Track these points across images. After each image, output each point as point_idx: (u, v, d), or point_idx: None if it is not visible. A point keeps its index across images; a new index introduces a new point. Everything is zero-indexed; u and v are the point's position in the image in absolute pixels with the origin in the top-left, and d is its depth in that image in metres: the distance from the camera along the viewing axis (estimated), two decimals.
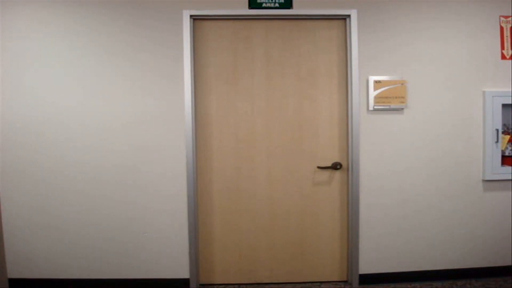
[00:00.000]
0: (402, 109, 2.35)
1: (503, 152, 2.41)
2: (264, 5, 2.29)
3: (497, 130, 2.37)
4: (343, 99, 2.39)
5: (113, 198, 2.32)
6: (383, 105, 2.33)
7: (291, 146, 2.39)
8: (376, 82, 2.32)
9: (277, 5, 2.29)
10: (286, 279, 2.45)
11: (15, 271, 2.34)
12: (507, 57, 2.38)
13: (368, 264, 2.40)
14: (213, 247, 2.42)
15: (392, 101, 2.33)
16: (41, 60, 2.26)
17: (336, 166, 2.36)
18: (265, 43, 2.36)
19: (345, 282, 2.46)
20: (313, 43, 2.36)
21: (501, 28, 2.37)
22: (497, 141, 2.37)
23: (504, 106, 2.37)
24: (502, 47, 2.37)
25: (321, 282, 2.46)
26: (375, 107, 2.33)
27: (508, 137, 2.40)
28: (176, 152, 2.31)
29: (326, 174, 2.41)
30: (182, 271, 2.35)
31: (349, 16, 2.31)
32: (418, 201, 2.40)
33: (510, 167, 2.39)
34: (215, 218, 2.41)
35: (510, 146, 2.41)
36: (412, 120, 2.36)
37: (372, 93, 2.32)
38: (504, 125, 2.42)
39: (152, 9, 2.27)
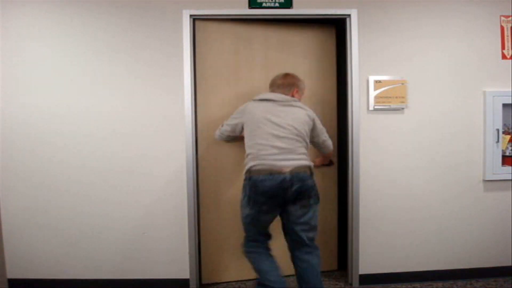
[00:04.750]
0: (403, 109, 2.34)
1: (503, 152, 2.40)
2: (264, 4, 2.28)
3: (498, 130, 2.36)
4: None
5: (112, 198, 2.31)
6: (383, 105, 2.32)
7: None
8: (376, 82, 2.31)
9: (277, 4, 2.28)
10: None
11: (14, 271, 2.33)
12: (508, 56, 2.37)
13: (368, 264, 2.39)
14: (214, 246, 2.41)
15: (392, 101, 2.33)
16: (40, 61, 2.26)
17: (330, 164, 2.38)
18: (266, 43, 2.35)
19: (345, 282, 2.45)
20: (313, 42, 2.36)
21: (502, 28, 2.36)
22: (497, 141, 2.36)
23: (505, 106, 2.36)
24: (503, 47, 2.37)
25: None
26: (375, 107, 2.32)
27: (508, 137, 2.40)
28: (176, 152, 2.31)
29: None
30: (182, 272, 2.34)
31: (349, 15, 2.30)
32: (418, 201, 2.39)
33: (511, 167, 2.39)
34: (215, 218, 2.40)
35: (510, 146, 2.40)
36: (412, 120, 2.35)
37: (372, 93, 2.32)
38: (504, 125, 2.41)
39: (152, 9, 2.26)
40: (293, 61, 2.37)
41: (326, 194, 2.42)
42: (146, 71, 2.28)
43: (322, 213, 2.42)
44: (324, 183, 2.42)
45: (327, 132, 2.07)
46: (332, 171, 2.47)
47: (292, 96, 1.98)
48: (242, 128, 1.97)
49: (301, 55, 2.38)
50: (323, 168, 2.40)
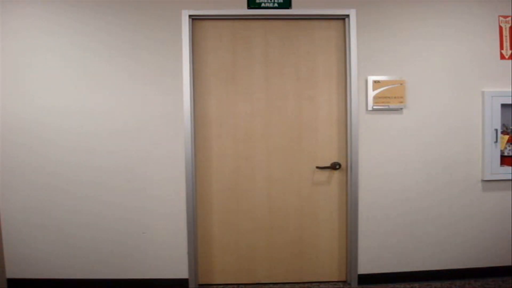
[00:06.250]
0: (401, 109, 2.35)
1: (502, 152, 2.40)
2: (263, 5, 2.28)
3: (496, 130, 2.36)
4: (342, 99, 2.39)
5: (112, 198, 2.32)
6: (382, 105, 2.33)
7: (290, 146, 2.39)
8: (375, 82, 2.31)
9: (276, 5, 2.29)
10: (285, 279, 2.45)
11: (13, 271, 2.34)
12: (506, 57, 2.37)
13: (367, 264, 2.40)
14: (212, 247, 2.42)
15: (391, 101, 2.33)
16: (39, 62, 2.26)
17: (335, 166, 2.36)
18: (264, 43, 2.36)
19: (344, 282, 2.46)
20: (312, 43, 2.36)
21: (500, 28, 2.37)
22: (496, 141, 2.37)
23: (503, 106, 2.37)
24: (501, 47, 2.37)
25: (320, 282, 2.45)
26: (374, 107, 2.33)
27: (507, 137, 2.40)
28: (175, 152, 2.31)
29: (325, 174, 2.41)
30: (181, 271, 2.35)
31: (348, 16, 2.31)
32: (417, 201, 2.39)
33: (509, 167, 2.39)
34: (214, 218, 2.41)
35: (509, 146, 2.41)
36: (411, 120, 2.36)
37: (371, 93, 2.32)
38: (503, 125, 2.42)
39: (151, 9, 2.27)
40: (295, 59, 2.37)
41: (335, 200, 2.43)
42: (146, 70, 2.29)
43: (331, 221, 2.43)
44: (331, 187, 2.42)
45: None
46: (342, 175, 2.44)
47: None
48: None
49: (304, 53, 2.37)
50: (332, 172, 2.40)
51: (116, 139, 2.30)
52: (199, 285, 2.43)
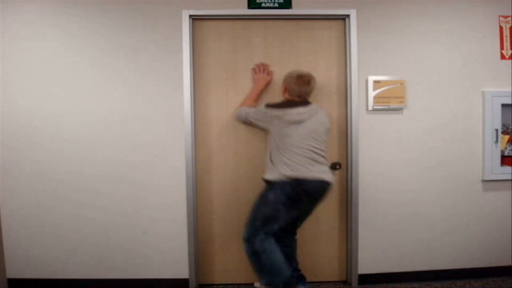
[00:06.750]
0: (402, 109, 2.35)
1: (502, 152, 2.40)
2: (263, 5, 2.28)
3: (497, 130, 2.36)
4: (342, 99, 2.39)
5: (112, 198, 2.32)
6: (383, 105, 2.33)
7: None
8: (375, 82, 2.31)
9: (276, 5, 2.29)
10: None
11: (14, 271, 2.34)
12: (507, 57, 2.37)
13: (368, 264, 2.40)
14: (213, 247, 2.42)
15: (391, 101, 2.33)
16: (39, 61, 2.26)
17: (335, 166, 2.35)
18: (265, 43, 2.36)
19: (344, 282, 2.46)
20: (312, 43, 2.36)
21: (501, 28, 2.37)
22: (496, 141, 2.37)
23: (504, 106, 2.37)
24: (502, 47, 2.37)
25: (320, 282, 2.45)
26: (375, 107, 2.32)
27: (507, 137, 2.40)
28: (175, 152, 2.31)
29: None
30: (181, 271, 2.35)
31: (348, 16, 2.31)
32: (417, 201, 2.39)
33: (510, 167, 2.39)
34: (214, 218, 2.41)
35: (509, 146, 2.41)
36: (411, 120, 2.36)
37: (372, 93, 2.32)
38: (503, 125, 2.42)
39: (151, 9, 2.27)
40: (295, 59, 2.36)
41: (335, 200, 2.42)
42: (146, 70, 2.28)
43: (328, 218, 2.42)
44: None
45: None
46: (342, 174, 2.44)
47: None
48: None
49: (304, 53, 2.36)
50: (332, 172, 2.39)
51: (115, 140, 2.30)
52: (200, 285, 2.42)
